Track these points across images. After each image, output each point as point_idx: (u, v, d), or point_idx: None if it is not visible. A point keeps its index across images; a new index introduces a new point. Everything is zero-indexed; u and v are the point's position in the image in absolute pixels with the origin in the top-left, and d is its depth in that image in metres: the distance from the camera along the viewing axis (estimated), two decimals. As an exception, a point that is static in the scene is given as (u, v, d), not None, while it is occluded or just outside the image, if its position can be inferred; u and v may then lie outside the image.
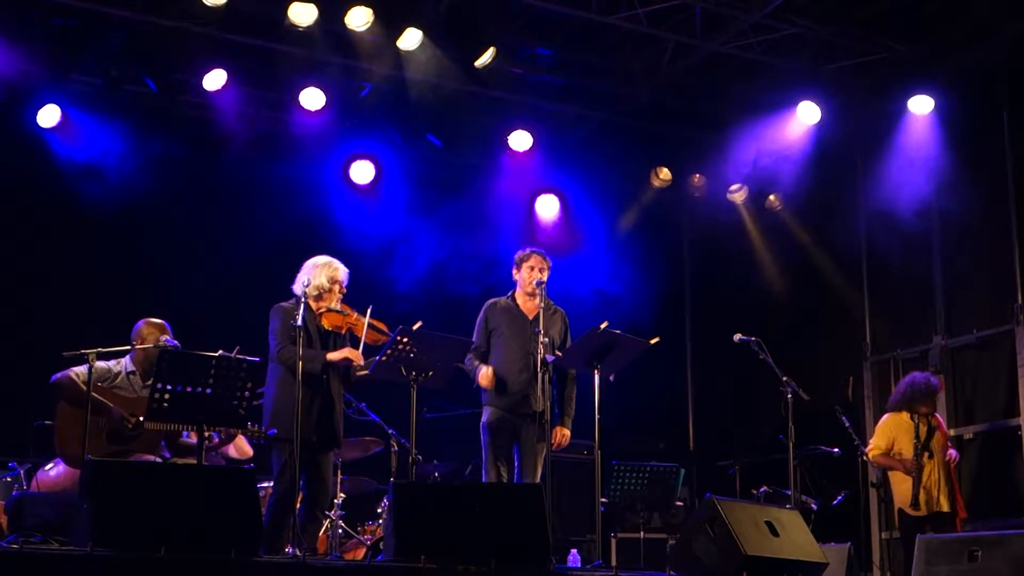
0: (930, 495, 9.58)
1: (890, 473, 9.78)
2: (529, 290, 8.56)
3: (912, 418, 9.76)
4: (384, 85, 11.60)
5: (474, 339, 8.50)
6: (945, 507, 9.57)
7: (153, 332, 7.83)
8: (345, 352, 7.80)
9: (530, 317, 8.54)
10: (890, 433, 9.81)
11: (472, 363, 8.45)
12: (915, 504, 9.56)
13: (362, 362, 7.78)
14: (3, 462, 9.13)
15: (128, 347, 7.73)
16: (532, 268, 8.57)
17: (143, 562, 5.74)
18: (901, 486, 9.69)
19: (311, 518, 7.85)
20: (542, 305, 8.36)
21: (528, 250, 8.69)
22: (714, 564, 7.07)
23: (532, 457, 8.31)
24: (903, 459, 9.66)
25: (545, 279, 8.51)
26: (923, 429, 9.72)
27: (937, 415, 9.97)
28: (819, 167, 12.36)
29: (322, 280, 7.92)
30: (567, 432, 8.47)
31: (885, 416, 9.99)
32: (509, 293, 8.73)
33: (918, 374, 10.09)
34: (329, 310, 7.90)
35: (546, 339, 8.13)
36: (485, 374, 8.36)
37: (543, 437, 8.22)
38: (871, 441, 9.92)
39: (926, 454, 9.65)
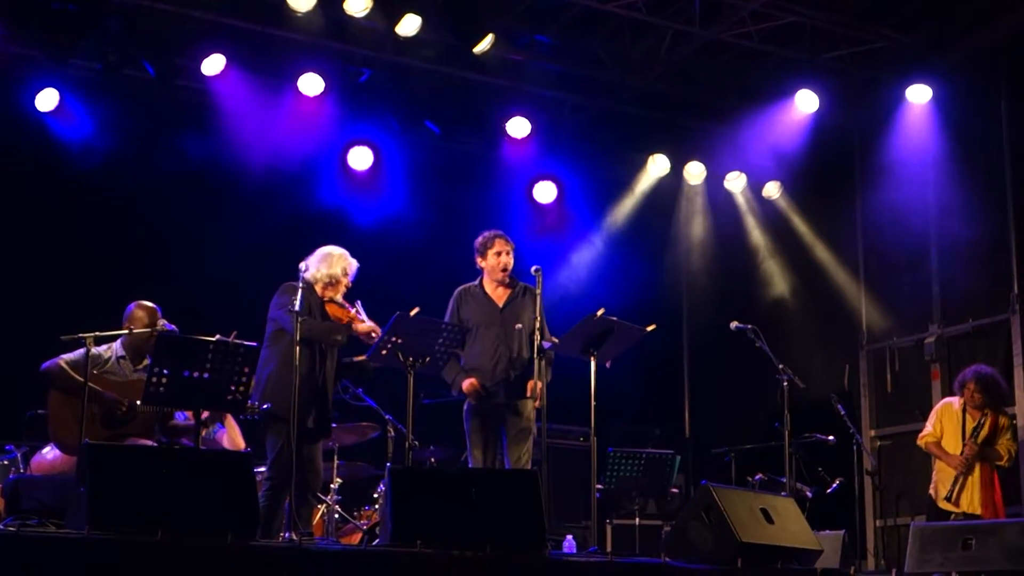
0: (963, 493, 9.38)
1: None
2: (499, 277, 8.49)
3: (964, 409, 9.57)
4: (383, 71, 11.61)
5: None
6: (977, 510, 9.28)
7: (145, 315, 7.83)
8: (372, 325, 7.82)
9: (500, 304, 8.49)
10: (939, 419, 9.65)
11: (449, 374, 8.35)
12: (948, 498, 9.41)
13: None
14: (0, 445, 9.13)
15: (125, 331, 7.73)
16: (499, 254, 8.45)
17: (139, 545, 5.75)
18: (940, 474, 9.55)
19: (303, 502, 7.86)
20: (519, 289, 8.37)
21: (490, 234, 8.53)
22: (709, 551, 7.09)
23: (518, 445, 8.29)
24: (949, 455, 9.49)
25: (511, 261, 8.46)
26: (969, 423, 9.48)
27: (997, 416, 9.50)
28: (817, 155, 12.38)
29: (336, 270, 7.96)
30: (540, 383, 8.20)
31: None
32: (477, 280, 8.61)
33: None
34: (332, 300, 7.93)
35: (520, 325, 8.12)
36: (470, 384, 8.29)
37: (536, 419, 8.25)
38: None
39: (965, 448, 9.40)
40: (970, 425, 9.47)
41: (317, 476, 8.07)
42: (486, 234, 8.55)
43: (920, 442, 9.71)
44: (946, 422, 9.61)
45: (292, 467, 7.46)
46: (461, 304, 8.54)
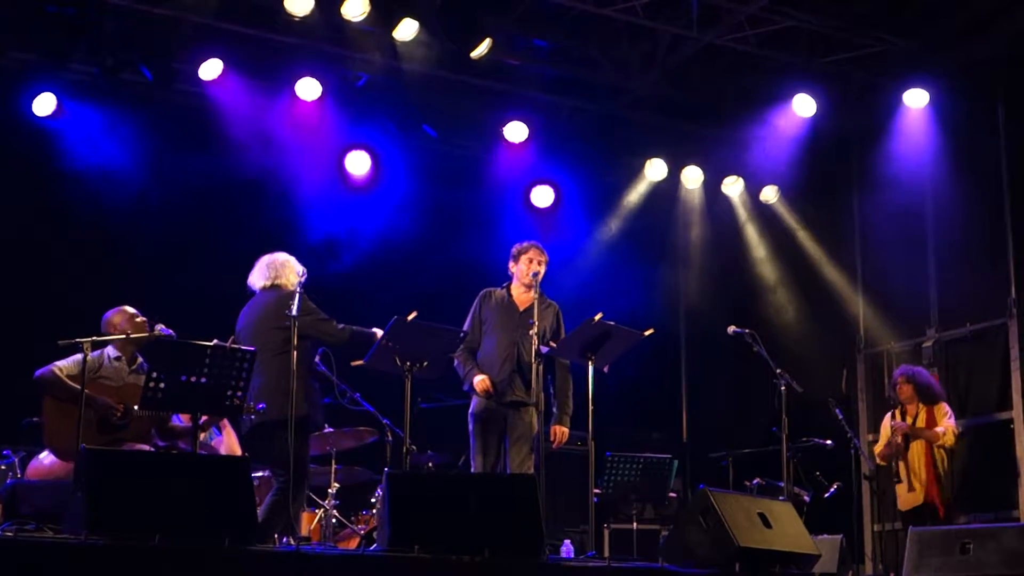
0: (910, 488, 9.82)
1: None
2: (527, 282, 8.59)
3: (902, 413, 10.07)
4: (380, 75, 11.59)
5: (466, 327, 8.52)
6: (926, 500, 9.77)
7: (122, 318, 7.85)
8: None
9: (521, 309, 8.57)
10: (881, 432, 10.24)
11: (464, 367, 8.46)
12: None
13: None
14: (-3, 450, 9.12)
15: (122, 336, 7.73)
16: (531, 261, 8.60)
17: (137, 550, 5.75)
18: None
19: (302, 503, 7.93)
20: (536, 297, 8.39)
21: (527, 243, 8.72)
22: (707, 555, 7.09)
23: (520, 448, 8.31)
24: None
25: (543, 271, 8.57)
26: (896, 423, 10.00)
27: (931, 408, 9.94)
28: (814, 160, 12.38)
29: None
30: (566, 430, 8.53)
31: None
32: (504, 284, 8.75)
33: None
34: None
35: (534, 331, 8.14)
36: (482, 381, 8.36)
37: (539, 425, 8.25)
38: None
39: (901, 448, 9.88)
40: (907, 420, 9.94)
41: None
42: (524, 242, 8.74)
43: None
44: (883, 433, 10.14)
45: (303, 468, 7.62)
46: (483, 304, 8.71)
